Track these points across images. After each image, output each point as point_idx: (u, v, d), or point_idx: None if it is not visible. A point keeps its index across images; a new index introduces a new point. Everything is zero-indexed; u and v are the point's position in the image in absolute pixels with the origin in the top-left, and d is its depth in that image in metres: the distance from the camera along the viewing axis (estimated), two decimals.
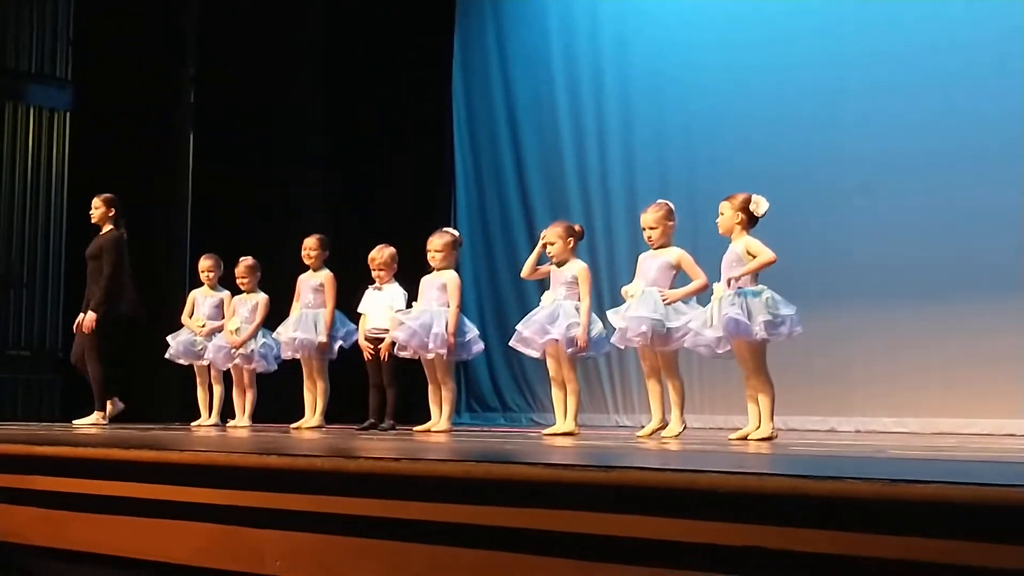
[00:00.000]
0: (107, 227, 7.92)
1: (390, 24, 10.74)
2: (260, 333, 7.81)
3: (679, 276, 5.79)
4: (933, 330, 8.05)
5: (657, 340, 5.63)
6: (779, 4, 9.11)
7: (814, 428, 8.14)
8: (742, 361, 5.36)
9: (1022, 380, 7.60)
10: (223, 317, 7.99)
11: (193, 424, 8.02)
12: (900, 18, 8.41)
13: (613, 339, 5.89)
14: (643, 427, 5.93)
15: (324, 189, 10.74)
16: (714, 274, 5.58)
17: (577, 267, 6.16)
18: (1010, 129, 7.65)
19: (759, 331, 5.19)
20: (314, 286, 7.51)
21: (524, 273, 6.46)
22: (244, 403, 7.92)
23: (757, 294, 5.26)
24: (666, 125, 9.59)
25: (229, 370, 7.97)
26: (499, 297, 10.44)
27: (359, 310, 7.26)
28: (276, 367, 7.88)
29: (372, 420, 7.09)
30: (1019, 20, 7.75)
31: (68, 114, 11.01)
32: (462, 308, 6.90)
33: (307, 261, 7.58)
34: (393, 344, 6.83)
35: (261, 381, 7.98)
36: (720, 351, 5.34)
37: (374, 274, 7.19)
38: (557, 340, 6.02)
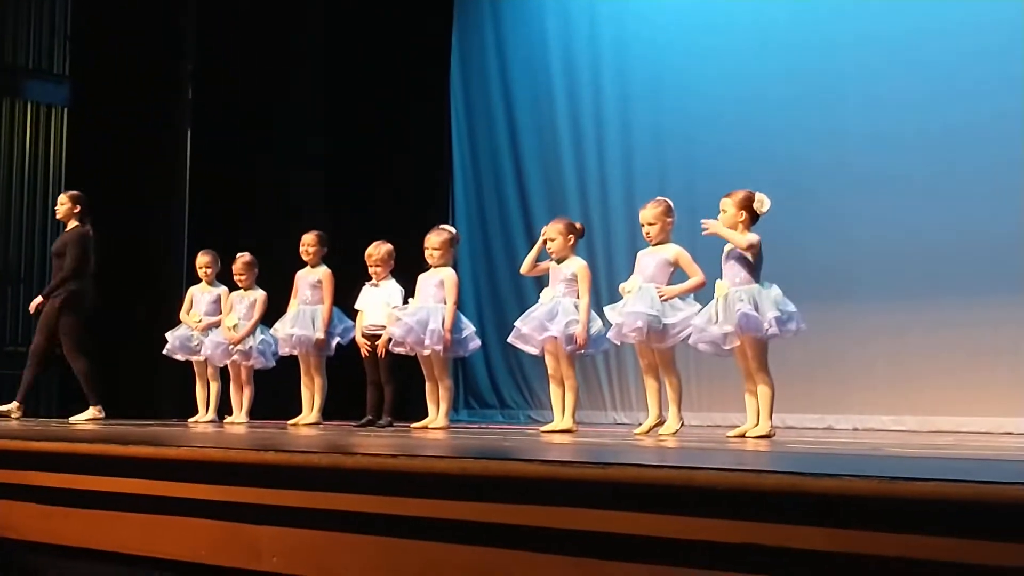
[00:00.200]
0: (72, 223, 7.98)
1: (389, 23, 10.74)
2: (258, 329, 7.81)
3: (677, 273, 5.78)
4: (931, 328, 8.05)
5: (653, 336, 5.63)
6: (778, 5, 9.11)
7: (812, 426, 8.15)
8: (744, 358, 5.36)
9: (1020, 378, 7.61)
10: (221, 313, 7.98)
11: (191, 420, 8.02)
12: (898, 21, 8.40)
13: (609, 334, 5.88)
14: (640, 424, 5.93)
15: (323, 186, 10.74)
16: (712, 272, 5.58)
17: (577, 264, 6.16)
18: (1010, 129, 7.65)
19: (769, 327, 5.20)
20: (312, 282, 7.51)
21: (524, 269, 6.46)
22: (242, 399, 7.92)
23: (766, 290, 5.27)
24: (664, 124, 9.58)
25: (227, 366, 7.97)
26: (497, 294, 10.44)
27: (356, 307, 7.25)
28: (274, 363, 7.88)
29: (370, 417, 7.09)
30: (1019, 19, 7.74)
31: (65, 110, 11.02)
32: (460, 305, 6.89)
33: (305, 257, 7.58)
34: (390, 340, 6.83)
35: (259, 377, 7.98)
36: (727, 347, 5.33)
37: (371, 270, 7.19)
38: (556, 337, 6.02)
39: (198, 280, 8.24)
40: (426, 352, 6.71)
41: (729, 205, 5.42)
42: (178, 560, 3.53)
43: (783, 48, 8.96)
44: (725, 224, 5.42)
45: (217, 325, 7.94)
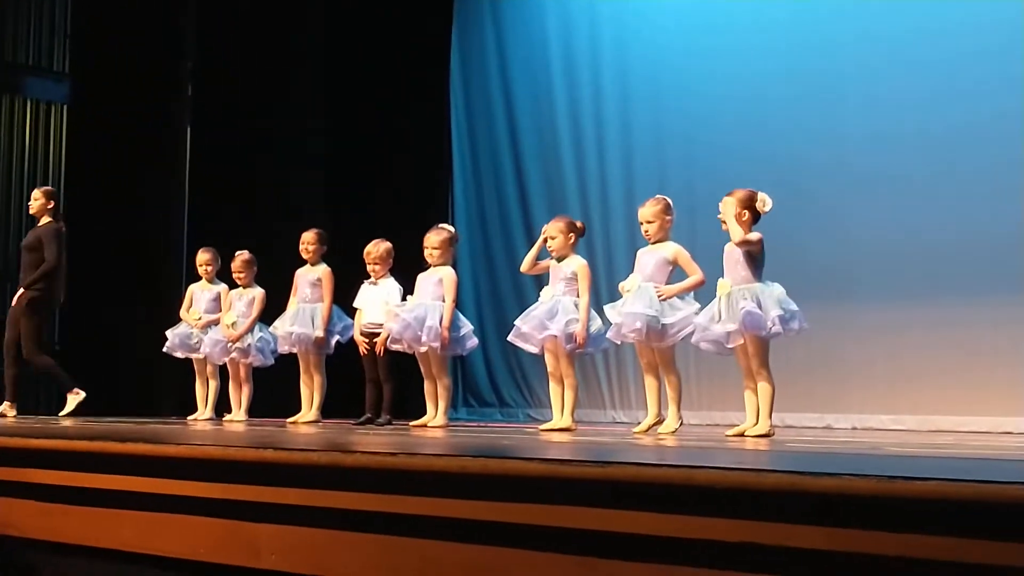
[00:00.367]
0: (45, 219, 8.04)
1: (389, 23, 10.74)
2: (256, 327, 7.81)
3: (676, 272, 5.78)
4: (931, 327, 8.05)
5: (653, 336, 5.63)
6: (778, 5, 9.10)
7: (811, 425, 8.16)
8: (745, 357, 5.35)
9: (1020, 378, 7.61)
10: (221, 311, 7.99)
11: (190, 418, 8.02)
12: (898, 21, 8.39)
13: (609, 334, 5.89)
14: (640, 423, 5.93)
15: (323, 185, 10.74)
16: (711, 271, 5.58)
17: (577, 263, 6.16)
18: (1010, 129, 7.64)
19: (772, 325, 5.20)
20: (312, 281, 7.51)
21: (524, 268, 6.46)
22: (240, 397, 7.92)
23: (769, 289, 5.27)
24: (664, 123, 9.58)
25: (226, 364, 7.97)
26: (497, 293, 10.44)
27: (355, 305, 7.25)
28: (273, 361, 7.88)
29: (368, 415, 7.08)
30: (1019, 19, 7.74)
31: (65, 107, 11.01)
32: (459, 304, 6.89)
33: (305, 256, 7.58)
34: (388, 338, 6.83)
35: (258, 375, 7.98)
36: (730, 345, 5.33)
37: (370, 268, 7.18)
38: (556, 336, 6.02)
39: (198, 278, 8.24)
40: (422, 349, 6.71)
41: (731, 204, 5.40)
42: (177, 558, 3.53)
43: (783, 48, 8.96)
44: (728, 224, 5.42)
45: (217, 323, 7.94)
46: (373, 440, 4.40)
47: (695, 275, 5.70)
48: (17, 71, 11.13)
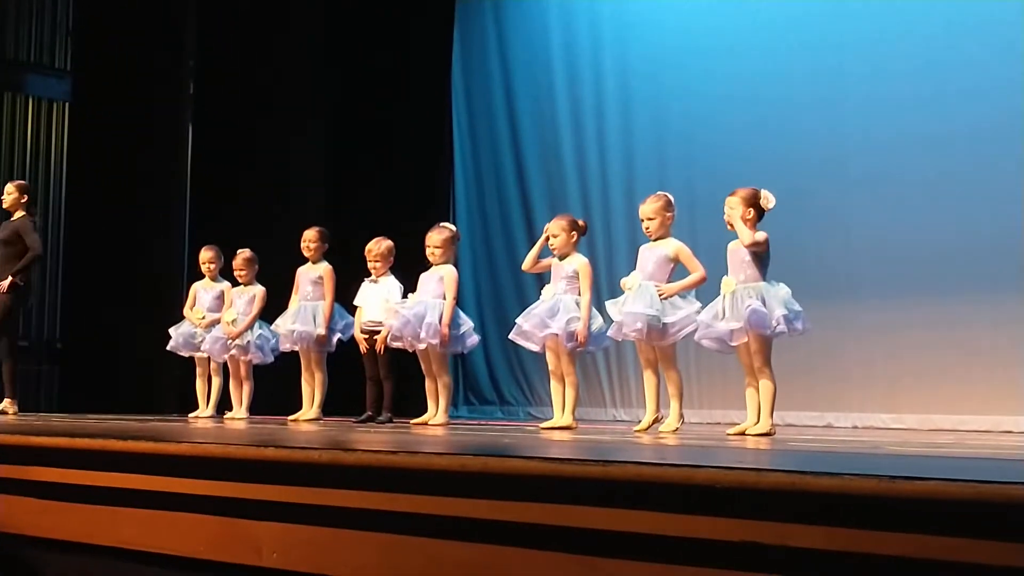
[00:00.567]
0: (19, 213, 8.07)
1: (389, 22, 10.73)
2: (257, 325, 7.81)
3: (677, 269, 5.78)
4: (931, 326, 8.05)
5: (654, 335, 5.63)
6: (778, 5, 9.10)
7: (811, 424, 8.16)
8: (747, 355, 5.35)
9: (1019, 377, 7.61)
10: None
11: (191, 416, 8.02)
12: (899, 21, 8.39)
13: (610, 332, 5.89)
14: (640, 421, 5.93)
15: (323, 184, 10.73)
16: (713, 269, 5.58)
17: (578, 261, 6.16)
18: (1010, 130, 7.64)
19: (776, 324, 5.19)
20: (313, 279, 7.51)
21: (526, 266, 6.46)
22: (241, 395, 7.93)
23: (775, 288, 5.27)
24: (665, 123, 9.57)
25: (227, 362, 7.97)
26: (498, 291, 10.44)
27: (355, 303, 7.25)
28: (273, 359, 7.88)
29: (369, 413, 7.09)
30: (1019, 19, 7.73)
31: (67, 105, 11.02)
32: (460, 302, 6.89)
33: (306, 254, 7.58)
34: (388, 336, 6.83)
35: (259, 373, 7.98)
36: (733, 343, 5.32)
37: (370, 266, 7.18)
38: (557, 334, 6.02)
39: (199, 276, 8.24)
40: (422, 346, 6.72)
41: (735, 203, 5.39)
42: (178, 556, 3.53)
43: (784, 48, 8.95)
44: (733, 222, 5.41)
45: (219, 321, 7.94)
46: (374, 438, 4.40)
47: (697, 272, 5.69)
48: (19, 69, 11.14)
